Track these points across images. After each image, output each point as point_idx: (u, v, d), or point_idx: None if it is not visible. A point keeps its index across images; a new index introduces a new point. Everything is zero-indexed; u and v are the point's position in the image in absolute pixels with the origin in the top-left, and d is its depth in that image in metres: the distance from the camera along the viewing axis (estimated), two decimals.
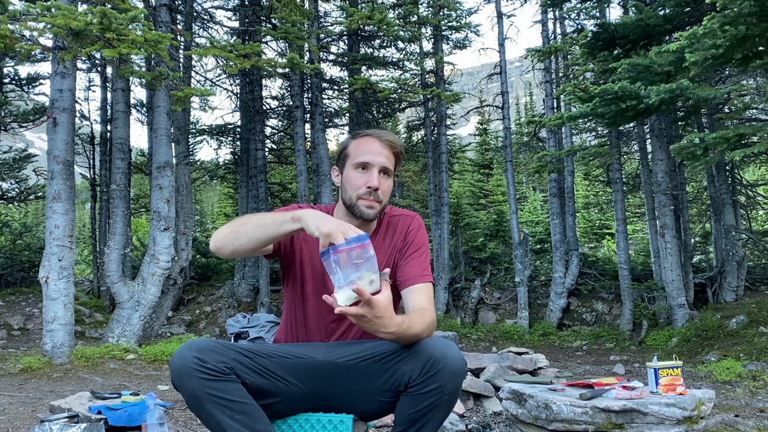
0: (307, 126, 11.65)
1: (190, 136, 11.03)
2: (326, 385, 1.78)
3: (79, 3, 6.22)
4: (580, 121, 10.02)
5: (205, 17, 11.40)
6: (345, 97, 13.31)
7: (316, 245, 1.83)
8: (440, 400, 1.64)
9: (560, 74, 12.30)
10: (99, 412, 2.98)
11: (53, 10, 4.98)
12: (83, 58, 9.31)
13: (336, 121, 14.40)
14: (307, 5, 10.24)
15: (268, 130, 14.01)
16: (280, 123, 15.18)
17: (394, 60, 13.10)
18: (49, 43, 5.86)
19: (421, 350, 1.67)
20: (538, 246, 14.11)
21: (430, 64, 12.91)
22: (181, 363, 1.60)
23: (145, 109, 12.06)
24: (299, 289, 1.88)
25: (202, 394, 1.60)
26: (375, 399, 1.79)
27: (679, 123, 9.96)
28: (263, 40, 11.29)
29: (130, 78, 7.77)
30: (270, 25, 10.72)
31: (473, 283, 12.17)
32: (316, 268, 1.85)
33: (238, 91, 13.26)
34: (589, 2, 9.88)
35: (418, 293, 1.80)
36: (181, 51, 9.07)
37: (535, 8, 11.63)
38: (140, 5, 8.21)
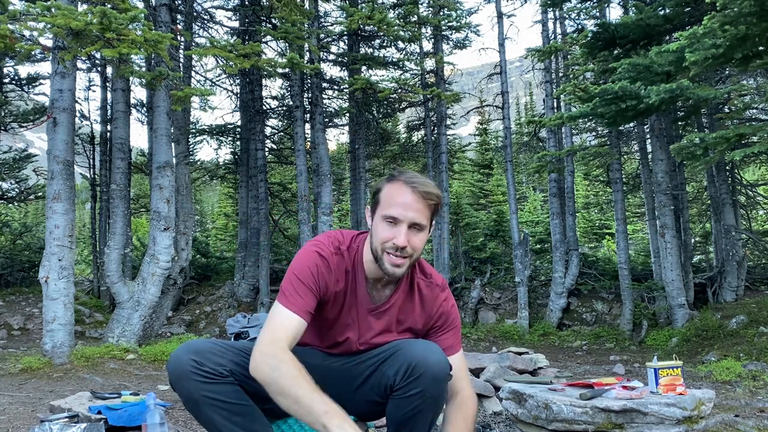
0: (307, 126, 11.64)
1: (190, 136, 11.02)
2: (323, 387, 1.78)
3: (79, 3, 6.22)
4: (580, 121, 10.02)
5: (205, 17, 11.40)
6: (345, 97, 13.31)
7: (346, 304, 1.80)
8: (424, 405, 1.64)
9: (560, 74, 12.30)
10: (99, 412, 2.98)
11: (53, 10, 4.98)
12: (83, 58, 9.30)
13: (336, 121, 14.40)
14: (307, 5, 10.23)
15: (268, 130, 14.00)
16: (280, 123, 15.17)
17: (394, 60, 13.09)
18: (49, 43, 5.85)
19: (402, 354, 1.67)
20: (538, 246, 14.10)
21: (430, 64, 12.90)
22: (178, 365, 1.60)
23: (145, 109, 12.05)
24: (315, 328, 1.85)
25: (200, 396, 1.59)
26: (369, 401, 1.81)
27: (679, 123, 9.96)
28: (263, 40, 11.28)
29: (130, 78, 7.77)
30: (270, 25, 10.72)
31: (473, 283, 12.17)
32: (337, 323, 1.83)
33: (238, 91, 13.25)
34: (589, 2, 9.87)
35: (456, 364, 1.80)
36: (181, 51, 9.06)
37: (535, 8, 11.64)
38: (140, 5, 8.20)
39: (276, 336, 1.61)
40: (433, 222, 1.77)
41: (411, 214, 1.66)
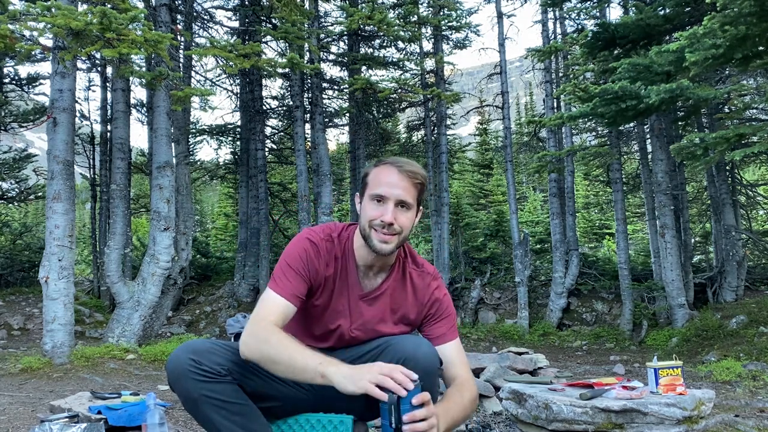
0: (307, 126, 11.65)
1: (190, 136, 11.02)
2: (321, 386, 1.78)
3: (79, 3, 6.22)
4: (580, 121, 10.03)
5: (205, 17, 11.40)
6: (345, 97, 13.31)
7: (338, 292, 1.82)
8: None
9: (560, 74, 12.30)
10: (99, 412, 2.98)
11: (53, 10, 4.98)
12: (83, 58, 9.30)
13: (336, 121, 14.40)
14: (307, 5, 10.24)
15: (268, 130, 14.01)
16: (280, 123, 15.18)
17: (394, 60, 13.10)
18: (49, 43, 5.85)
19: (393, 350, 1.69)
20: (538, 246, 14.10)
21: (430, 64, 12.90)
22: (177, 365, 1.60)
23: (145, 109, 12.06)
24: (306, 317, 1.86)
25: (198, 396, 1.60)
26: (366, 399, 1.81)
27: (679, 123, 9.96)
28: (263, 40, 11.29)
29: (130, 78, 7.77)
30: (270, 25, 10.72)
31: (473, 283, 12.17)
32: (328, 310, 1.85)
33: (238, 91, 13.26)
34: (589, 2, 9.87)
35: (451, 351, 1.81)
36: (181, 51, 9.06)
37: (535, 8, 11.64)
38: (140, 5, 8.21)
39: (262, 316, 1.67)
40: (421, 204, 1.81)
41: (397, 191, 1.71)
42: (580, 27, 11.23)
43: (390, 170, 1.73)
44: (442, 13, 12.09)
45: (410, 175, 1.72)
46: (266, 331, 1.61)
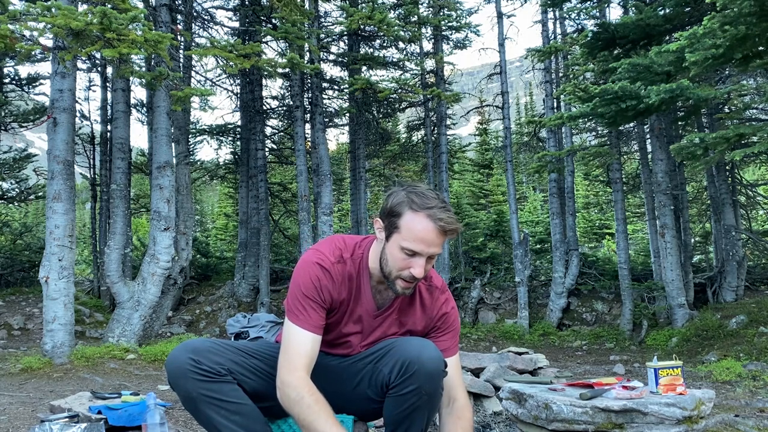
0: (308, 126, 11.64)
1: (190, 136, 11.00)
2: (322, 386, 1.78)
3: (79, 3, 6.22)
4: (580, 121, 10.02)
5: (205, 17, 11.39)
6: (345, 97, 13.30)
7: (351, 311, 1.83)
8: (420, 401, 1.64)
9: (560, 74, 12.30)
10: (99, 412, 2.98)
11: (53, 10, 4.98)
12: (83, 58, 9.30)
13: (336, 121, 14.40)
14: (307, 5, 10.23)
15: (268, 130, 14.00)
16: (281, 123, 15.17)
17: (394, 60, 13.09)
18: (49, 43, 5.85)
19: (397, 351, 1.68)
20: (538, 246, 14.10)
21: (430, 64, 12.91)
22: (177, 364, 1.61)
23: (145, 109, 12.05)
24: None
25: (197, 395, 1.60)
26: (367, 400, 1.81)
27: (679, 123, 9.96)
28: (263, 40, 11.28)
29: (130, 78, 7.76)
30: (270, 25, 10.72)
31: (473, 283, 12.17)
32: (339, 326, 1.85)
33: (238, 91, 13.25)
34: (589, 2, 9.87)
35: (451, 368, 1.81)
36: (181, 51, 9.05)
37: (535, 8, 11.63)
38: (140, 5, 8.20)
39: (293, 362, 1.66)
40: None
41: (432, 249, 1.68)
42: (580, 27, 11.23)
43: (428, 227, 1.64)
44: (442, 13, 12.09)
45: (449, 233, 1.66)
46: (298, 389, 1.61)
